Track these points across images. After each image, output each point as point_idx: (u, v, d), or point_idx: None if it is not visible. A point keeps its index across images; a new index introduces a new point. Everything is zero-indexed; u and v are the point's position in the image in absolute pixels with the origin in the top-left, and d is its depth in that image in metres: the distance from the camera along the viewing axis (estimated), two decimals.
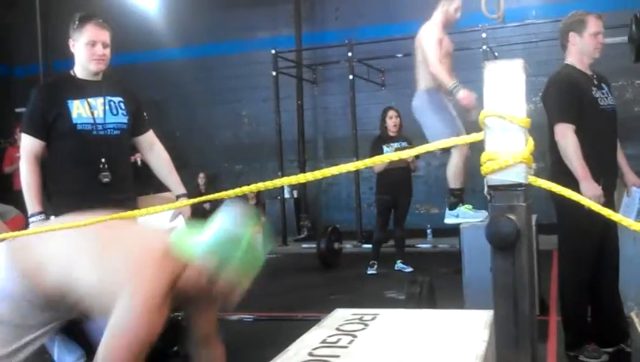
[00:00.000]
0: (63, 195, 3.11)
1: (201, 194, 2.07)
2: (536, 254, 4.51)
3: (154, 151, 3.42)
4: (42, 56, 10.66)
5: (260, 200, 10.98)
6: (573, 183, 3.27)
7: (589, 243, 3.52)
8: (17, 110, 9.83)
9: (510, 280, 1.28)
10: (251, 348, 4.32)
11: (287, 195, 10.40)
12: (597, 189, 3.31)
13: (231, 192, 1.75)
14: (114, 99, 3.18)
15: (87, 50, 3.10)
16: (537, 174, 1.35)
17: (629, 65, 8.63)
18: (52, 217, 3.08)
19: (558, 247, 3.75)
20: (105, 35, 3.14)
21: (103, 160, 3.11)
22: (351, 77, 9.56)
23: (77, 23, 3.11)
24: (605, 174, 3.47)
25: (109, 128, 3.13)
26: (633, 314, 2.41)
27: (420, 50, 4.79)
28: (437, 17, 4.98)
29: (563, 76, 3.56)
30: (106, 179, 3.10)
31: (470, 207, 4.88)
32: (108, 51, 3.16)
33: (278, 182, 1.72)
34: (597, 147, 3.45)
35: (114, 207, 2.91)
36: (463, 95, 4.50)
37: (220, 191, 1.84)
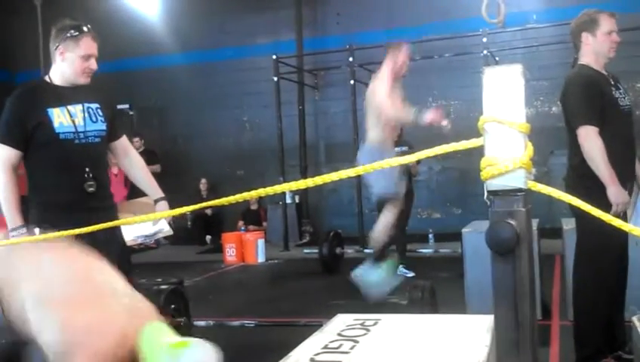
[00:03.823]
0: (49, 206, 3.02)
1: (203, 200, 2.06)
2: (538, 259, 4.50)
3: (129, 157, 3.36)
4: (44, 63, 10.68)
5: (262, 205, 10.99)
6: (596, 187, 3.20)
7: (613, 247, 3.35)
8: None
9: (510, 285, 1.28)
10: (253, 353, 4.32)
11: (288, 200, 10.39)
12: (624, 195, 3.23)
13: (232, 198, 1.76)
14: (92, 105, 3.11)
15: (81, 63, 3.04)
16: (539, 179, 1.35)
17: (630, 69, 8.66)
18: (37, 229, 2.95)
19: (576, 251, 3.57)
20: (96, 49, 3.09)
21: (87, 169, 3.04)
22: (352, 82, 9.56)
23: (72, 32, 3.04)
24: (626, 177, 3.36)
25: (90, 136, 3.07)
26: (635, 319, 2.40)
27: (370, 105, 4.98)
28: (384, 73, 5.12)
29: (582, 77, 3.43)
30: (92, 189, 3.03)
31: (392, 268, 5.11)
32: (96, 67, 3.12)
33: (279, 188, 1.72)
34: (618, 149, 3.32)
35: (98, 215, 2.91)
36: (430, 114, 4.59)
37: (222, 197, 1.84)
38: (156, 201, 3.32)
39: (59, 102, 3.02)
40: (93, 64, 3.07)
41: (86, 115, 3.08)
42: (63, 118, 3.01)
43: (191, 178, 10.99)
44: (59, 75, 3.10)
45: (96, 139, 3.10)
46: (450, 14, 9.83)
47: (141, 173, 3.38)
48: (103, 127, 3.14)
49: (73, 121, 3.02)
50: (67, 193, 3.05)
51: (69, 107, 3.03)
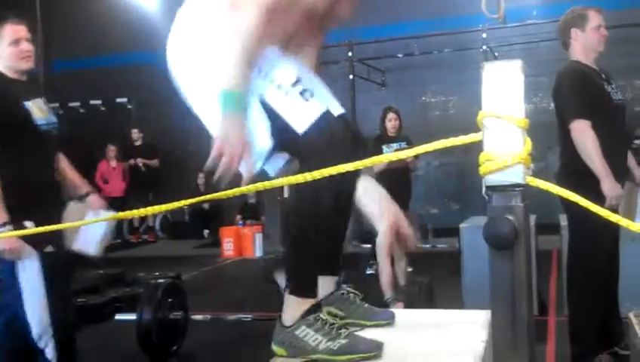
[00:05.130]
0: (31, 201, 2.89)
1: (201, 195, 2.06)
2: (536, 254, 4.51)
3: (58, 153, 3.31)
4: (43, 57, 10.65)
5: (261, 200, 10.98)
6: (585, 184, 3.15)
7: (605, 239, 3.34)
8: None
9: (508, 281, 1.28)
10: (250, 347, 4.32)
11: (287, 195, 10.38)
12: (618, 189, 3.23)
13: (230, 192, 1.75)
14: (42, 98, 3.10)
15: (12, 50, 2.95)
16: (538, 174, 1.35)
17: (628, 65, 8.66)
18: (28, 223, 2.82)
19: (569, 247, 3.59)
20: (25, 31, 3.00)
21: (55, 158, 3.10)
22: (351, 77, 9.55)
23: None
24: (619, 172, 3.36)
25: (54, 128, 3.08)
26: (632, 315, 2.41)
27: None
28: None
29: (574, 71, 3.44)
30: (59, 178, 3.09)
31: None
32: (32, 47, 3.02)
33: (277, 182, 1.72)
34: (611, 143, 3.31)
35: (61, 206, 3.03)
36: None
37: (219, 191, 1.83)
38: (87, 194, 3.25)
39: (28, 96, 2.98)
40: (26, 46, 2.99)
41: (47, 106, 3.09)
42: (38, 111, 2.99)
43: (189, 173, 10.99)
44: (5, 70, 3.01)
45: (56, 131, 3.11)
46: (450, 10, 9.82)
47: (69, 167, 3.30)
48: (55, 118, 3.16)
49: (43, 113, 3.02)
50: (46, 185, 3.02)
51: (36, 100, 3.02)
